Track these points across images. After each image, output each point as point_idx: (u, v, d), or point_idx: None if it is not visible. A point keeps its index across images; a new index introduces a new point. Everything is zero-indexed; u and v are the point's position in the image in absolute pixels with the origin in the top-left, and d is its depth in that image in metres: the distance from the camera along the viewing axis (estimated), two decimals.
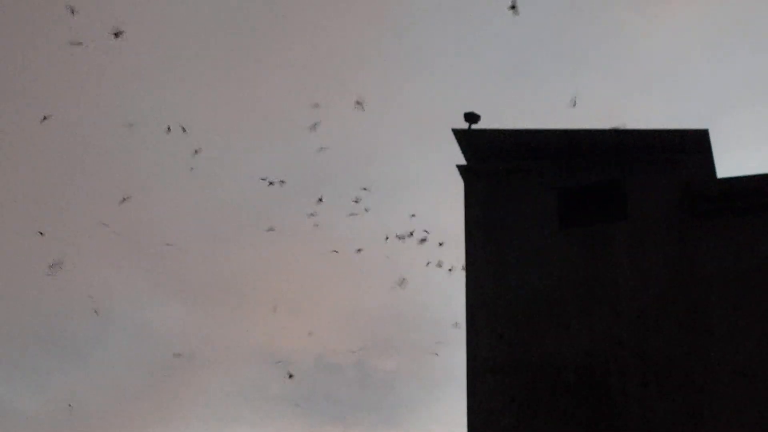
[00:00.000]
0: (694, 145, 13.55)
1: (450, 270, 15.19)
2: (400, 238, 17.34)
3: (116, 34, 15.67)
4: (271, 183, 17.09)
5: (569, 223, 13.77)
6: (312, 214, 17.43)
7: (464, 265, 13.98)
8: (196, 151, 15.82)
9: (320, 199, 17.70)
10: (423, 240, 17.24)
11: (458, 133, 14.14)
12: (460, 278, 14.17)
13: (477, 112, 14.12)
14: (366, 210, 17.51)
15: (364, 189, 17.39)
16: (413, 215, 17.46)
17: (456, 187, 14.44)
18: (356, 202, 17.39)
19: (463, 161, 14.41)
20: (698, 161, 13.77)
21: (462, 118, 14.16)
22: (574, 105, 15.29)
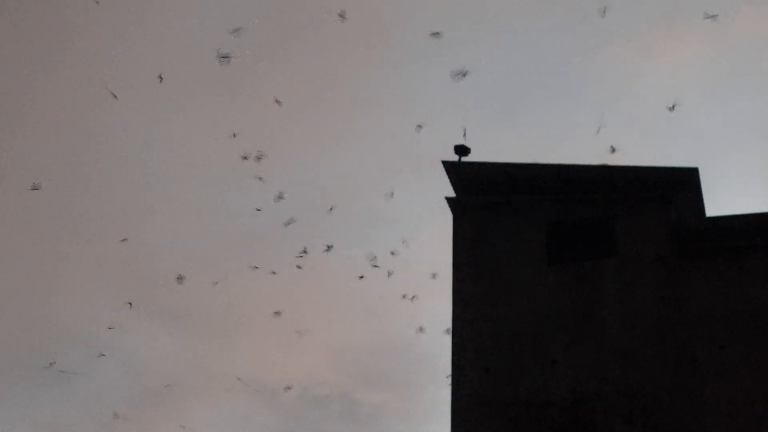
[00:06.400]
0: (684, 183, 13.56)
1: (434, 275, 15.08)
2: (374, 266, 17.31)
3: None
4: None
5: (558, 258, 13.73)
6: (301, 255, 17.37)
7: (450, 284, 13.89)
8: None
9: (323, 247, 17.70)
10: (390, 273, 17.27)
11: (448, 166, 14.12)
12: (448, 312, 14.08)
13: (467, 145, 14.12)
14: (329, 247, 17.48)
15: (331, 209, 17.40)
16: (393, 252, 17.45)
17: (445, 220, 14.40)
18: (328, 249, 17.40)
19: (452, 194, 14.38)
20: (688, 199, 13.77)
21: (452, 151, 14.15)
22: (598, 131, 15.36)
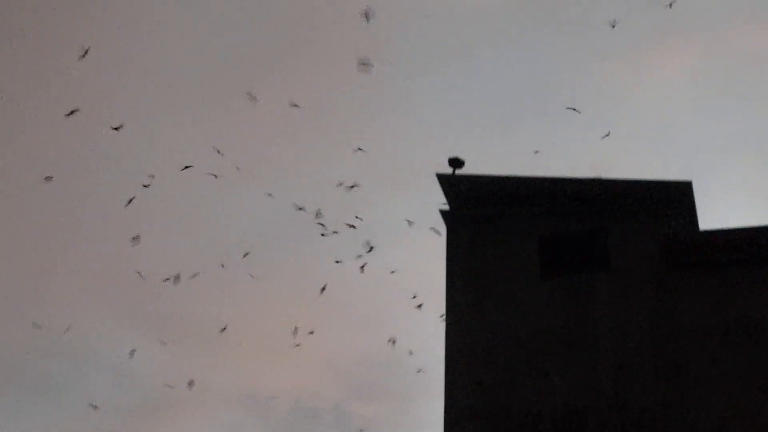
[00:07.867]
0: (677, 197, 13.60)
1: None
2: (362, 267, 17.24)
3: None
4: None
5: (551, 271, 13.76)
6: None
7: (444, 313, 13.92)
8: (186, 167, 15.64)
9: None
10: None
11: (442, 178, 14.15)
12: (442, 325, 14.10)
13: (462, 157, 14.15)
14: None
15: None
16: (393, 271, 17.45)
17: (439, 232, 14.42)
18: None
19: (446, 206, 14.41)
20: (681, 213, 13.82)
21: (446, 164, 14.19)
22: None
